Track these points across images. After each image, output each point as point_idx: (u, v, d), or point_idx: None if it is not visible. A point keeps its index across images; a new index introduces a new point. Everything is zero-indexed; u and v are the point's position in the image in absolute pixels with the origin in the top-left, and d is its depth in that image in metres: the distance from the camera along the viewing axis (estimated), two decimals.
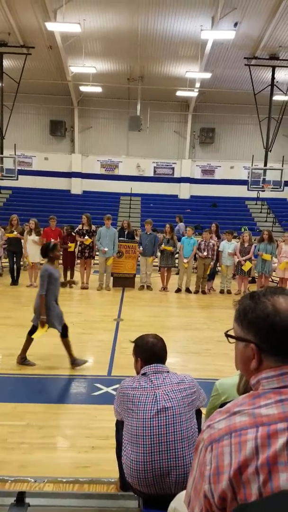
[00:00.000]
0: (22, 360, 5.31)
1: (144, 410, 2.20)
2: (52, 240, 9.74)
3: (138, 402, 2.23)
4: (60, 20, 13.81)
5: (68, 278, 10.00)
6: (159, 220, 14.96)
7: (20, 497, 2.35)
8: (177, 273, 10.66)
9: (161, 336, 2.54)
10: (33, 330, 5.26)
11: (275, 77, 17.20)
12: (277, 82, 17.26)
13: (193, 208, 22.02)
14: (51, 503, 2.52)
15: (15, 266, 10.14)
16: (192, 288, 10.14)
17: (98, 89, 19.10)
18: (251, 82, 16.93)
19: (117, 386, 2.76)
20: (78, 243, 10.03)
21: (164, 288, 10.15)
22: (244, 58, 16.65)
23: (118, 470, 2.45)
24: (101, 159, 23.37)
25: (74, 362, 5.27)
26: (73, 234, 10.11)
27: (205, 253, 9.74)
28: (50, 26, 13.69)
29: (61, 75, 18.88)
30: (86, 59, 16.73)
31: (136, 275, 10.36)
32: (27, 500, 2.36)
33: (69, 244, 9.88)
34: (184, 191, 23.41)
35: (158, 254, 10.32)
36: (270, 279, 10.40)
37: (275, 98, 17.52)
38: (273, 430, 0.92)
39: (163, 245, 9.97)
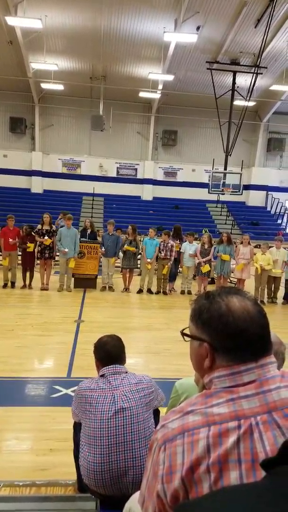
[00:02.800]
0: None
1: (102, 411, 2.20)
2: None
3: (96, 403, 2.22)
4: (20, 15, 13.54)
5: (28, 279, 9.81)
6: (122, 221, 14.96)
7: None
8: (139, 274, 10.70)
9: (122, 337, 2.54)
10: None
11: (236, 82, 17.60)
12: (237, 87, 17.67)
13: (156, 210, 22.17)
14: (8, 508, 2.47)
15: None
16: (154, 289, 10.20)
17: (59, 87, 18.85)
18: (213, 86, 17.25)
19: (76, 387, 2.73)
20: (38, 243, 9.85)
21: (126, 289, 10.16)
22: (206, 62, 16.94)
23: (76, 472, 2.42)
24: (63, 158, 23.07)
25: None
26: (33, 234, 9.91)
27: (163, 254, 9.84)
28: (11, 20, 13.38)
29: (21, 71, 18.50)
30: (48, 56, 16.47)
31: (98, 276, 10.30)
32: None
33: (28, 244, 9.67)
34: (147, 193, 23.52)
35: (121, 255, 10.30)
36: (228, 280, 10.63)
37: (236, 103, 17.94)
38: (224, 429, 0.94)
39: (125, 246, 9.97)
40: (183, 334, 1.15)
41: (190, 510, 0.55)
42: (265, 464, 0.54)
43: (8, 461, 3.35)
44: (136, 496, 1.70)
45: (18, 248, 9.91)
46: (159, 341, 6.64)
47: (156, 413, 2.47)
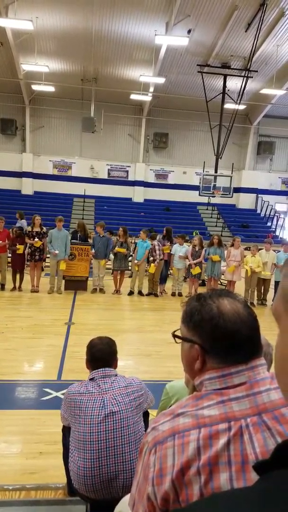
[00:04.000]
0: None
1: (91, 415, 2.18)
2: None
3: (86, 408, 2.21)
4: (11, 16, 13.48)
5: (18, 281, 9.74)
6: (113, 223, 14.94)
7: None
8: (130, 276, 10.69)
9: (113, 339, 2.53)
10: None
11: (227, 86, 17.71)
12: (228, 90, 17.78)
13: (147, 212, 22.19)
14: None
15: None
16: (145, 291, 10.20)
17: (50, 89, 18.80)
18: (204, 89, 17.33)
19: None
20: (28, 245, 9.79)
21: (117, 291, 10.14)
22: (197, 65, 17.02)
23: (65, 475, 2.41)
24: (54, 159, 22.99)
25: None
26: (23, 235, 9.84)
27: (152, 258, 9.86)
28: (1, 22, 13.32)
29: (12, 72, 18.41)
30: (39, 58, 16.43)
31: (89, 278, 10.27)
32: None
33: (18, 246, 9.61)
34: (138, 195, 23.53)
35: (111, 257, 10.28)
36: (219, 282, 10.67)
37: (226, 106, 18.03)
38: (214, 431, 0.94)
39: (116, 248, 9.96)
40: (174, 336, 1.15)
41: None
42: (258, 468, 0.54)
43: None
44: (126, 499, 1.69)
45: (8, 250, 9.83)
46: (150, 343, 6.64)
47: (146, 415, 2.46)
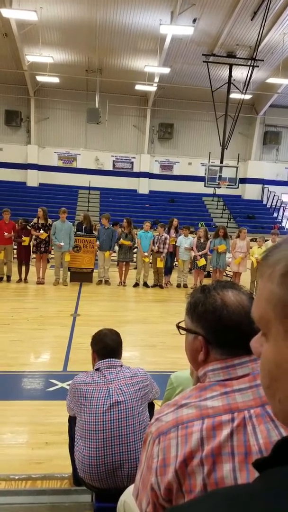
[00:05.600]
0: None
1: (96, 405, 2.20)
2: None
3: (91, 397, 2.22)
4: (15, 7, 13.39)
5: (23, 273, 9.79)
6: (118, 214, 14.92)
7: None
8: (135, 268, 10.69)
9: (118, 330, 2.54)
10: None
11: (232, 75, 17.51)
12: (234, 80, 17.59)
13: (151, 203, 22.13)
14: (3, 501, 2.48)
15: None
16: (150, 282, 10.20)
17: (55, 80, 18.68)
18: (209, 79, 17.16)
19: None
20: (33, 237, 9.81)
21: (122, 283, 10.15)
22: (203, 54, 16.83)
23: (71, 465, 2.43)
24: (59, 151, 22.92)
25: None
26: (28, 227, 9.87)
27: (156, 248, 9.85)
28: (5, 12, 13.23)
29: (16, 63, 18.32)
30: (43, 48, 16.31)
31: (94, 270, 10.29)
32: None
33: (23, 238, 9.64)
34: (143, 186, 23.44)
35: (116, 248, 10.29)
36: (224, 274, 10.65)
37: (232, 96, 17.85)
38: (217, 422, 0.94)
39: (121, 240, 9.96)
40: (178, 327, 1.16)
41: None
42: (257, 465, 0.54)
43: (4, 455, 3.36)
44: (130, 489, 1.71)
45: (13, 242, 9.87)
46: (155, 334, 6.66)
47: (151, 406, 2.48)
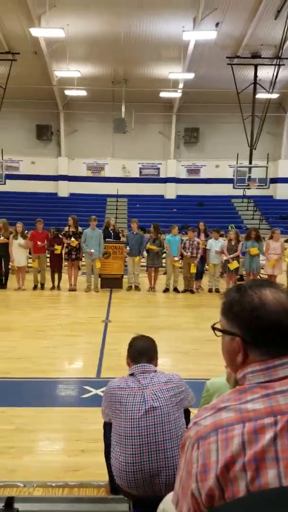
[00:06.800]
0: None
1: (132, 410, 2.17)
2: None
3: (126, 402, 2.20)
4: (44, 26, 13.80)
5: (56, 280, 9.94)
6: (146, 220, 14.94)
7: (9, 502, 2.30)
8: (165, 273, 10.65)
9: (149, 336, 2.52)
10: None
11: (258, 75, 17.32)
12: (259, 80, 17.38)
13: (179, 208, 22.08)
14: (41, 508, 2.48)
15: (3, 270, 10.07)
16: (180, 287, 10.13)
17: (83, 93, 19.12)
18: (234, 81, 17.02)
19: None
20: (65, 245, 9.97)
21: (152, 288, 10.13)
22: (226, 57, 16.74)
23: (107, 473, 2.41)
24: (87, 161, 23.38)
25: None
26: (60, 236, 10.04)
27: (189, 253, 9.77)
28: (35, 32, 13.70)
29: (46, 79, 18.85)
30: (71, 63, 16.71)
31: (124, 276, 10.32)
32: (16, 505, 2.30)
33: (56, 247, 9.81)
34: (170, 191, 23.47)
35: (145, 254, 10.29)
36: (258, 277, 10.43)
37: (258, 96, 17.64)
38: (260, 425, 0.90)
39: (148, 244, 9.95)
40: (214, 328, 1.12)
41: None
42: None
43: (41, 462, 3.38)
44: (169, 497, 1.67)
45: (46, 251, 10.07)
46: (187, 340, 6.58)
47: (187, 413, 2.43)
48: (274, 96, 17.89)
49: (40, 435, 3.80)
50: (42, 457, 3.48)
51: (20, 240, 9.78)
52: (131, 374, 2.32)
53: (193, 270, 9.87)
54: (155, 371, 2.35)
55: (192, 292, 10.04)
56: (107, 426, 2.37)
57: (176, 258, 9.88)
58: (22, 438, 3.69)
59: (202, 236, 10.47)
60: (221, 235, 10.85)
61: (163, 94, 19.23)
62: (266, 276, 10.20)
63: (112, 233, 10.73)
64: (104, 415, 2.38)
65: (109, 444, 2.29)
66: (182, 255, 10.07)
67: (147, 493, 2.14)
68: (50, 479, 2.95)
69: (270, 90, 16.45)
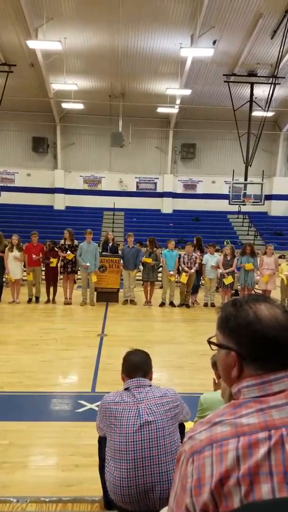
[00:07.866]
0: None
1: (127, 425, 2.16)
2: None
3: (121, 417, 2.19)
4: (41, 38, 13.94)
5: (51, 294, 9.90)
6: (143, 234, 14.99)
7: None
8: (161, 287, 10.65)
9: (145, 350, 2.52)
10: None
11: (254, 93, 17.60)
12: (255, 98, 17.66)
13: (175, 222, 22.18)
14: None
15: None
16: (176, 301, 10.12)
17: (79, 106, 19.25)
18: (231, 98, 17.28)
19: None
20: (60, 258, 9.94)
21: (148, 302, 10.11)
22: (223, 75, 17.03)
23: (101, 487, 2.39)
24: (84, 174, 23.47)
25: None
26: (56, 249, 10.02)
27: (192, 270, 9.80)
28: (32, 44, 13.81)
29: (42, 92, 18.99)
30: (68, 76, 16.87)
31: (120, 290, 10.30)
32: None
33: (51, 260, 9.78)
34: (167, 206, 23.59)
35: (141, 267, 10.29)
36: (253, 292, 10.45)
37: (254, 113, 17.90)
38: (254, 440, 0.90)
39: (143, 258, 9.96)
40: (209, 342, 1.13)
41: None
42: None
43: (34, 477, 3.34)
44: (164, 511, 1.66)
45: (41, 264, 10.03)
46: (183, 355, 6.56)
47: (182, 427, 2.42)
48: (270, 114, 18.17)
49: (34, 450, 3.76)
50: (35, 472, 3.45)
51: (16, 253, 9.75)
52: (126, 389, 2.32)
53: (184, 279, 9.84)
54: (150, 385, 2.35)
55: (187, 306, 10.03)
56: (102, 441, 2.35)
57: (172, 273, 9.88)
58: (15, 453, 3.65)
59: (198, 252, 10.50)
60: (217, 250, 10.88)
61: (160, 110, 19.46)
62: (260, 291, 10.22)
63: (110, 247, 10.73)
64: (99, 430, 2.37)
65: (103, 459, 2.28)
66: (178, 270, 10.08)
67: (141, 508, 2.12)
68: (43, 495, 2.91)
69: (266, 108, 16.71)
